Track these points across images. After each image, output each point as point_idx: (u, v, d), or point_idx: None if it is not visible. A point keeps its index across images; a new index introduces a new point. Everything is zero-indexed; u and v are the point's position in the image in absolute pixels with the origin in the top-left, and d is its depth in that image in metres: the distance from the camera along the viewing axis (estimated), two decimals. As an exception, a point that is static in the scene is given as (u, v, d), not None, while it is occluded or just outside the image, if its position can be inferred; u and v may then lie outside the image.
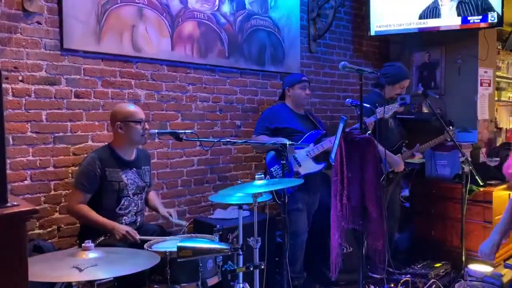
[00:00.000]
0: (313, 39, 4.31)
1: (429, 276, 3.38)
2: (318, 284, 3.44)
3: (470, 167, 3.13)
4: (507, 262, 3.45)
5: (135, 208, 2.68)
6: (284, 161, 2.50)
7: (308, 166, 3.19)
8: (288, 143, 2.59)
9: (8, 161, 2.60)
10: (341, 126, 2.55)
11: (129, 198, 2.64)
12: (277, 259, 3.26)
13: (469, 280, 3.06)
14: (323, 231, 3.13)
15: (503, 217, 2.31)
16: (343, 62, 2.53)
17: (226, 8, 3.60)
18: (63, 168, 2.84)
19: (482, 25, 4.15)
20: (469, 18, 4.16)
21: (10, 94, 2.62)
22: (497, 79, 4.93)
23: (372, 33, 4.53)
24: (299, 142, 3.16)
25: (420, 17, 4.32)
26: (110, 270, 1.79)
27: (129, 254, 2.04)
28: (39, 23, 2.71)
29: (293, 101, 3.39)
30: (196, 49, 3.41)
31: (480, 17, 4.12)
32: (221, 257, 2.33)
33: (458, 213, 3.65)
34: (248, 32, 3.75)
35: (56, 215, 2.81)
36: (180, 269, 2.19)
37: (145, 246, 2.32)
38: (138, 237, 2.47)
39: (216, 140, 2.62)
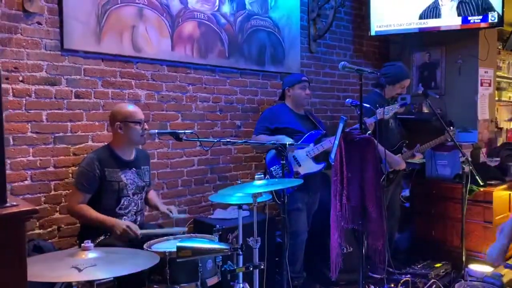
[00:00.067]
0: (313, 39, 4.31)
1: (429, 276, 3.38)
2: (318, 284, 3.44)
3: (471, 167, 3.13)
4: (507, 262, 3.45)
5: (135, 207, 2.68)
6: (284, 161, 2.50)
7: (308, 166, 3.19)
8: (288, 143, 2.59)
9: (8, 161, 2.61)
10: (341, 126, 2.55)
11: (129, 198, 2.65)
12: (277, 259, 3.26)
13: (470, 280, 3.05)
14: (323, 231, 3.13)
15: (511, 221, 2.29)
16: (342, 62, 2.54)
17: (226, 8, 3.60)
18: (63, 168, 2.84)
19: (483, 25, 4.14)
20: (469, 18, 4.16)
21: (11, 94, 2.62)
22: (497, 79, 4.93)
23: (372, 33, 4.53)
24: (299, 142, 3.17)
25: (421, 17, 4.32)
26: (110, 270, 1.79)
27: (128, 254, 2.04)
28: (39, 23, 2.71)
29: (293, 101, 3.39)
30: (196, 50, 3.41)
31: (481, 17, 4.12)
32: (220, 257, 2.32)
33: (458, 213, 3.65)
34: (248, 32, 3.76)
35: (56, 215, 2.82)
36: (179, 269, 2.18)
37: (144, 246, 2.32)
38: (139, 231, 2.49)
39: (216, 140, 2.62)
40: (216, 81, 3.61)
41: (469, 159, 3.28)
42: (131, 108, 2.71)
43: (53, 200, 2.81)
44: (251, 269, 2.27)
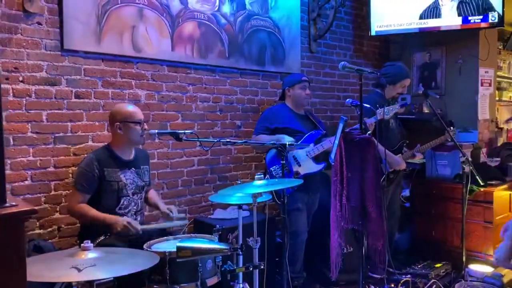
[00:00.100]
0: (314, 39, 4.31)
1: (429, 276, 3.38)
2: (318, 284, 3.44)
3: (471, 167, 3.13)
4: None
5: (135, 207, 2.69)
6: (284, 161, 2.50)
7: (308, 166, 3.19)
8: (288, 142, 2.59)
9: (8, 161, 2.62)
10: (341, 126, 2.55)
11: (128, 197, 2.65)
12: (277, 259, 3.26)
13: (470, 281, 3.05)
14: (323, 231, 3.13)
15: None
16: (342, 62, 2.54)
17: (226, 8, 3.60)
18: (64, 169, 2.84)
19: (483, 25, 4.14)
20: (469, 18, 4.16)
21: (11, 94, 2.63)
22: (498, 79, 4.93)
23: (373, 33, 4.53)
24: (299, 142, 3.16)
25: (421, 17, 4.32)
26: (109, 270, 1.79)
27: (128, 254, 2.04)
28: (39, 23, 2.71)
29: (293, 101, 3.39)
30: (196, 50, 3.41)
31: (481, 17, 4.11)
32: (220, 257, 2.32)
33: (458, 213, 3.65)
34: (249, 32, 3.76)
35: (57, 215, 2.82)
36: (179, 269, 2.18)
37: (144, 246, 2.33)
38: (139, 227, 2.49)
39: (216, 140, 2.62)
40: (216, 81, 3.61)
41: (470, 159, 3.28)
42: (130, 108, 2.71)
43: (53, 200, 2.81)
44: (251, 269, 2.27)
